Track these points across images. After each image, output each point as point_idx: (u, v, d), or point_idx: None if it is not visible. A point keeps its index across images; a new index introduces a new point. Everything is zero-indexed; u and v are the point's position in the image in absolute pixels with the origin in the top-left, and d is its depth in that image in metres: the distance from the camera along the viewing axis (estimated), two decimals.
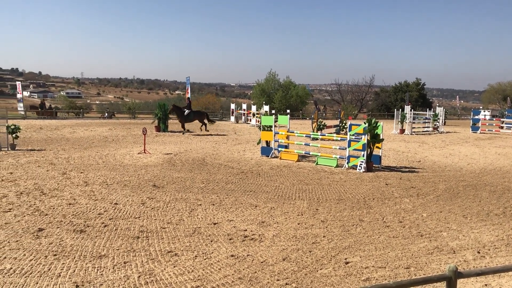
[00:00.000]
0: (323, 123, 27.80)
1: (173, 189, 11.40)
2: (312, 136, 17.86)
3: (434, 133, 32.50)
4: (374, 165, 15.29)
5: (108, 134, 24.87)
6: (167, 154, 17.57)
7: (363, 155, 14.90)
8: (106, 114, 45.25)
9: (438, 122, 34.26)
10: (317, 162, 16.03)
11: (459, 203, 10.68)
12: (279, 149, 17.46)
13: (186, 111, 27.37)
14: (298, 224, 8.67)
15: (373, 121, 15.22)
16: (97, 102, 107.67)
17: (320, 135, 17.88)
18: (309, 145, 17.57)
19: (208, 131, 27.81)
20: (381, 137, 15.15)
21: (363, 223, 8.87)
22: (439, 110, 35.27)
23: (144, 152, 17.53)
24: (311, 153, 16.82)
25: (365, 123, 15.10)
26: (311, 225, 8.60)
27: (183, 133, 26.65)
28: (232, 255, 6.85)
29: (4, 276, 5.86)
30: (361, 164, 14.84)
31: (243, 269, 6.33)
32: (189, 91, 47.74)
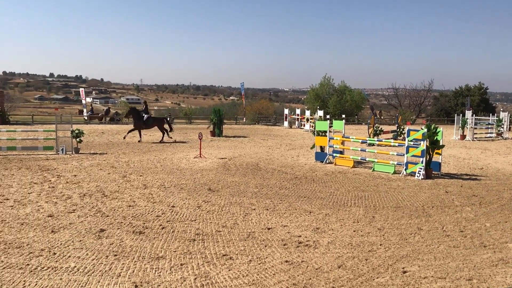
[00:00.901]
0: (379, 128, 27.20)
1: (227, 193, 11.53)
2: (368, 141, 17.51)
3: (498, 139, 30.93)
4: (433, 172, 14.76)
5: (165, 139, 25.57)
6: (222, 158, 17.82)
7: (422, 162, 14.41)
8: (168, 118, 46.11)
9: (502, 127, 32.58)
10: (373, 169, 15.68)
11: None
12: (334, 154, 17.24)
13: (145, 116, 24.59)
14: (354, 231, 8.50)
15: (432, 126, 14.70)
16: (155, 108, 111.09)
17: (377, 140, 17.49)
18: (365, 151, 17.24)
19: (171, 138, 25.19)
20: (441, 143, 14.61)
21: (421, 231, 8.57)
22: (503, 115, 33.54)
23: (200, 157, 17.87)
24: (367, 159, 16.49)
25: (424, 129, 14.62)
26: (367, 233, 8.41)
27: (139, 141, 23.85)
28: (286, 261, 6.82)
29: (69, 274, 6.14)
30: (420, 171, 14.37)
31: (298, 275, 6.28)
32: (244, 96, 48.37)
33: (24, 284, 5.78)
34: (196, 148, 20.35)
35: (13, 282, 5.81)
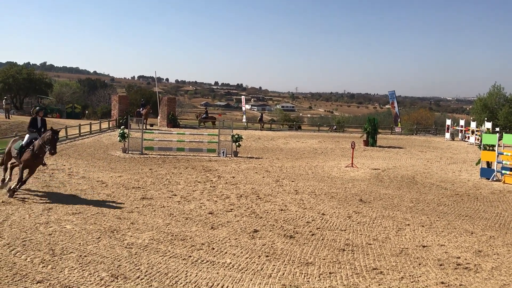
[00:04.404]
0: None
1: (380, 206, 11.19)
2: None
3: None
4: None
5: (318, 146, 25.84)
6: (375, 169, 17.35)
7: None
8: (335, 126, 46.15)
9: None
10: None
11: None
12: (503, 171, 15.52)
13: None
14: None
15: None
16: (308, 116, 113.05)
17: None
18: None
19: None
20: None
21: None
22: None
23: (352, 166, 17.65)
24: None
25: None
26: None
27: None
28: (442, 282, 6.36)
29: (225, 269, 6.60)
30: None
31: None
32: (395, 105, 46.24)
33: (186, 273, 6.37)
34: (347, 157, 20.14)
35: (177, 271, 6.45)
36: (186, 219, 9.28)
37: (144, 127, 22.74)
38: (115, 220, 8.91)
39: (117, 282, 5.96)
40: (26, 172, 10.46)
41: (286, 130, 41.81)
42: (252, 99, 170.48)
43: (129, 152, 19.03)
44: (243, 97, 55.17)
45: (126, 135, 19.04)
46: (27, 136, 10.83)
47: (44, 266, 6.36)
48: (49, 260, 6.60)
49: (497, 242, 8.46)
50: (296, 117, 76.78)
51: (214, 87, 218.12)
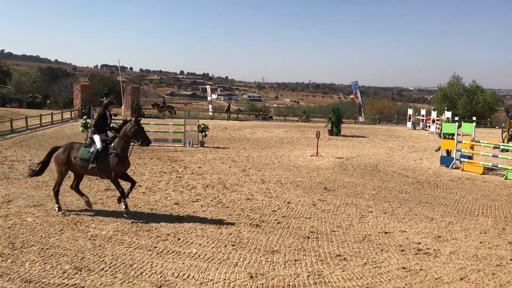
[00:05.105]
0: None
1: (343, 193, 11.40)
2: (501, 147, 16.00)
3: None
4: None
5: (284, 136, 26.01)
6: (339, 158, 17.63)
7: None
8: (304, 116, 45.66)
9: None
10: (506, 177, 14.31)
11: None
12: (461, 159, 16.07)
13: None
14: (480, 243, 7.87)
15: None
16: (275, 106, 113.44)
17: None
18: (497, 157, 15.79)
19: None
20: None
21: None
22: None
23: (317, 155, 17.88)
24: (499, 166, 15.10)
25: None
26: (495, 246, 7.73)
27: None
28: (403, 267, 6.56)
29: (191, 259, 6.60)
30: None
31: (415, 284, 6.01)
32: (358, 95, 46.93)
33: (151, 264, 6.34)
34: (313, 146, 20.38)
35: (142, 262, 6.40)
36: (152, 210, 9.20)
37: None
38: (78, 211, 8.74)
39: (81, 274, 5.87)
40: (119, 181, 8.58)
41: (253, 120, 41.86)
42: (219, 89, 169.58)
43: None
44: (208, 86, 54.73)
45: (89, 125, 18.63)
46: (97, 138, 8.49)
47: (3, 260, 6.19)
48: (9, 254, 6.43)
49: (455, 227, 8.78)
50: (263, 107, 77.02)
51: (180, 76, 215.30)
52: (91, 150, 8.38)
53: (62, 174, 8.72)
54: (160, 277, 5.93)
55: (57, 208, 8.58)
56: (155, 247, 7.03)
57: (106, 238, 7.30)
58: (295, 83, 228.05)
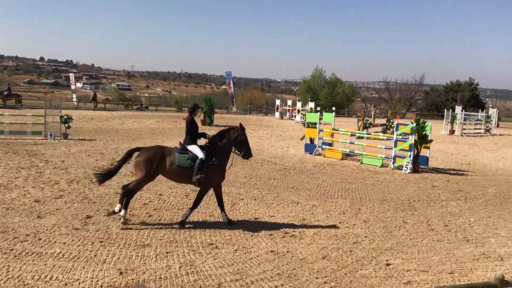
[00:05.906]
0: (369, 121, 27.31)
1: None
2: (357, 134, 17.59)
3: (486, 135, 31.25)
4: (421, 166, 14.89)
5: (155, 127, 25.48)
6: None
7: (410, 156, 14.54)
8: (143, 106, 44.10)
9: (491, 124, 32.90)
10: (361, 161, 15.78)
11: (510, 209, 10.24)
12: (323, 146, 17.31)
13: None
14: (340, 223, 8.59)
15: (421, 121, 14.82)
16: (146, 95, 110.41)
17: (366, 133, 17.57)
18: (354, 143, 17.33)
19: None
20: (429, 138, 14.72)
21: (406, 225, 8.67)
22: (492, 112, 33.87)
23: None
24: (355, 152, 16.59)
25: (413, 123, 14.72)
26: (352, 225, 8.50)
27: None
28: (272, 251, 6.88)
29: (54, 260, 6.14)
30: (407, 165, 14.49)
31: (282, 265, 6.34)
32: (231, 85, 47.94)
33: (8, 268, 5.77)
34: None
35: None
36: (7, 209, 8.35)
37: None
38: None
39: None
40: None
41: (122, 110, 40.25)
42: (84, 77, 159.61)
43: None
44: (71, 74, 51.08)
45: None
46: (196, 148, 7.95)
47: None
48: None
49: (318, 210, 9.44)
50: (133, 96, 74.44)
51: (40, 63, 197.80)
52: (188, 158, 7.81)
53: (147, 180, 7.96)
54: (18, 281, 5.43)
55: None
56: (12, 249, 6.41)
57: None
58: (166, 72, 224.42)
